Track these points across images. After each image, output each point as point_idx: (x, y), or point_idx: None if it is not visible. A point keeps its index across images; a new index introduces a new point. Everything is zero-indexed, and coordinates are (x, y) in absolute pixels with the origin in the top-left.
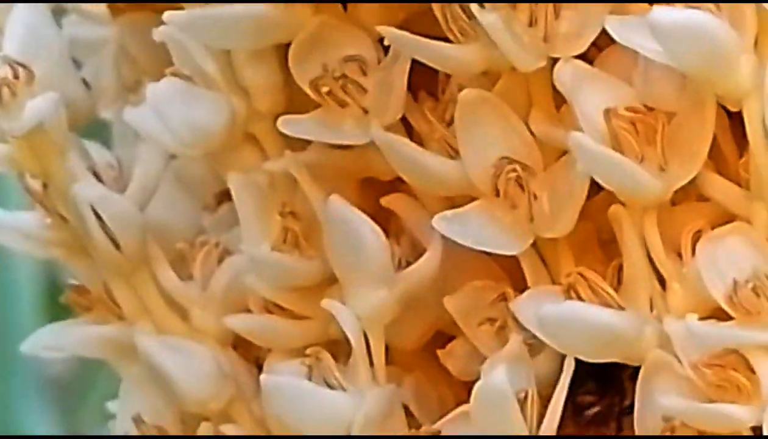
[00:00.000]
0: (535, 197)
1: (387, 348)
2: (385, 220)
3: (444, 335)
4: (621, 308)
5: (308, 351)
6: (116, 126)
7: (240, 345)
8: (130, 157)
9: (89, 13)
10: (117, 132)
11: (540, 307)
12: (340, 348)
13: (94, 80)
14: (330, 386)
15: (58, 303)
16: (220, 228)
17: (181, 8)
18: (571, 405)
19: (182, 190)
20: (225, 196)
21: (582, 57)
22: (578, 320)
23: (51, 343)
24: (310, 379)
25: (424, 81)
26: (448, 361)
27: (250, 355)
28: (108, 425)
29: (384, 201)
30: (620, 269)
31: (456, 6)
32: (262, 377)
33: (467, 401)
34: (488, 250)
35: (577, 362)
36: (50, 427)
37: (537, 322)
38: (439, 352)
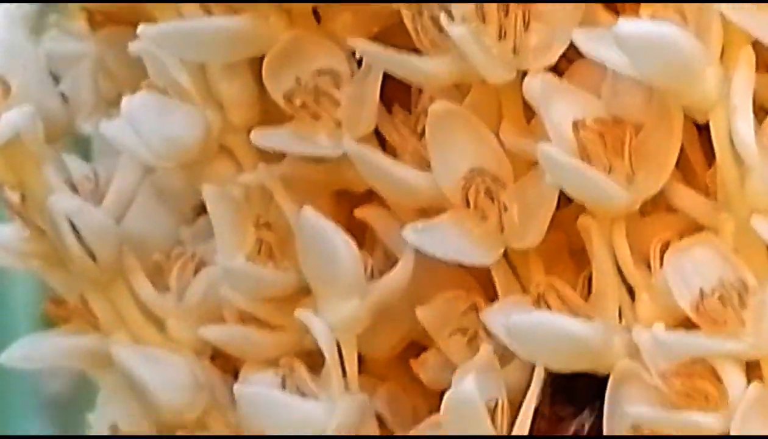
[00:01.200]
0: (506, 208)
1: (360, 358)
2: (359, 232)
3: (417, 345)
4: (590, 318)
5: (281, 361)
6: (95, 140)
7: (218, 356)
8: (107, 170)
9: (67, 27)
10: (96, 146)
11: (509, 317)
12: (314, 358)
13: (72, 94)
14: (303, 396)
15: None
16: (198, 240)
17: (156, 22)
18: (549, 417)
19: (160, 202)
20: (202, 208)
21: (552, 69)
22: (547, 330)
23: (28, 354)
24: (283, 388)
25: (398, 93)
26: (421, 371)
27: (229, 366)
28: None
29: (357, 213)
30: (590, 279)
31: (427, 18)
32: (236, 387)
33: (440, 410)
34: (458, 261)
35: (553, 374)
36: None
37: (506, 332)
38: (411, 362)
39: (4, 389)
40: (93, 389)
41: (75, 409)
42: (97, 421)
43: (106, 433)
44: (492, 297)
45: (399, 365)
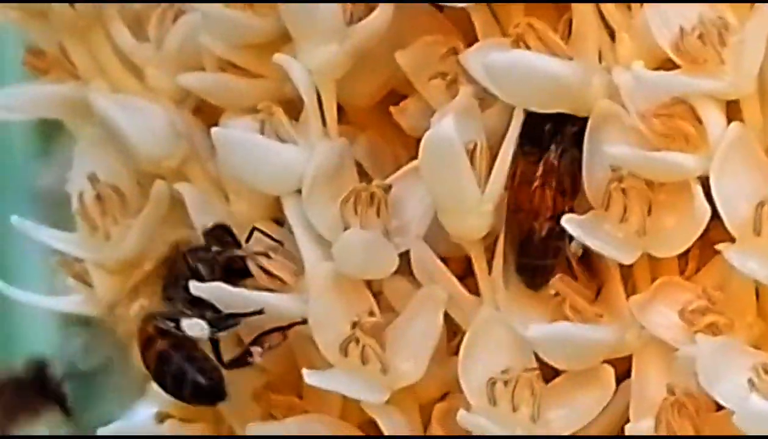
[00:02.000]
0: None
1: (340, 108)
2: None
3: (397, 94)
4: (570, 59)
5: (260, 106)
6: None
7: (201, 111)
8: None
9: None
10: None
11: (488, 57)
12: (294, 108)
13: None
14: (282, 141)
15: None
16: None
17: None
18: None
19: None
20: None
21: None
22: (525, 69)
23: (8, 104)
24: (262, 133)
25: None
26: (401, 118)
27: (211, 121)
28: None
29: None
30: (571, 23)
31: None
32: (214, 130)
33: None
34: (438, 3)
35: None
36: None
37: (485, 72)
38: (392, 109)
39: None
40: None
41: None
42: (75, 171)
43: (83, 181)
44: (472, 42)
45: (379, 114)
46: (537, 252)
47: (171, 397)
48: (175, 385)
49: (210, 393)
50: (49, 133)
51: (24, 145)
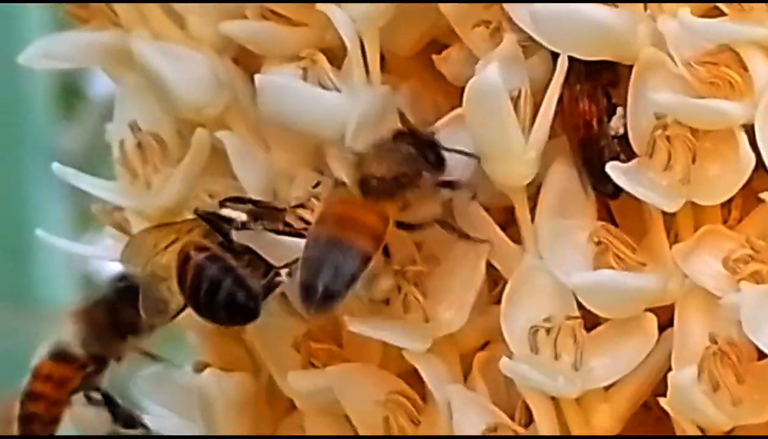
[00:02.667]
0: None
1: (383, 57)
2: None
3: (439, 44)
4: (615, 6)
5: (303, 53)
6: None
7: (242, 60)
8: None
9: None
10: None
11: (533, 5)
12: (335, 57)
13: None
14: (324, 88)
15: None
16: None
17: None
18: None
19: None
20: None
21: None
22: (571, 16)
23: (48, 52)
24: (305, 81)
25: None
26: (444, 66)
27: (253, 70)
28: None
29: None
30: None
31: None
32: (257, 76)
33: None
34: None
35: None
36: (60, 204)
37: (530, 19)
38: (434, 57)
39: (17, 146)
40: (105, 147)
41: (88, 165)
42: (116, 118)
43: (125, 129)
44: None
45: (421, 63)
46: (602, 152)
47: (203, 320)
48: (208, 297)
49: (244, 308)
50: (69, 99)
51: (45, 110)
